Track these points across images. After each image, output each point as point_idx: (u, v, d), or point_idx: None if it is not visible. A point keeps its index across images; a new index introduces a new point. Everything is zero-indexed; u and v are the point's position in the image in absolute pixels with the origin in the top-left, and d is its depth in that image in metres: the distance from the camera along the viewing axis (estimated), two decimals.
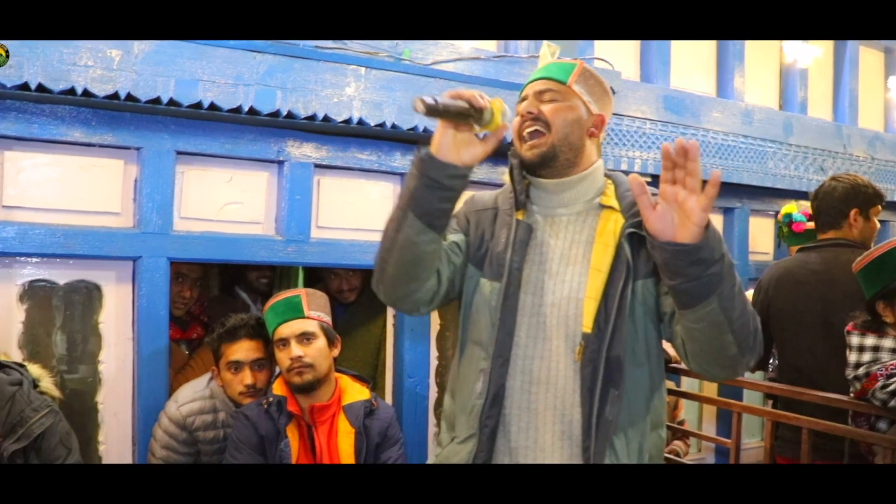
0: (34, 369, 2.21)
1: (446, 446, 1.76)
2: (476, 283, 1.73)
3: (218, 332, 2.51)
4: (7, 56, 2.06)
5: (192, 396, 2.47)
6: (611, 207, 1.72)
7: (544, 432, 1.64)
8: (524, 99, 1.77)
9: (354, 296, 3.30)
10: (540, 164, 1.73)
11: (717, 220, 3.83)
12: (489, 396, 1.65)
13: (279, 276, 3.61)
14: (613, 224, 1.68)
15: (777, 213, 3.82)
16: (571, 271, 1.67)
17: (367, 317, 3.22)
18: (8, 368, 2.13)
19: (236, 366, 2.46)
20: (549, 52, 2.84)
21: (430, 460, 2.96)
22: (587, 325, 1.61)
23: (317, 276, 3.47)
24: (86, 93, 2.23)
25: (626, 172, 3.08)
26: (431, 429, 3.02)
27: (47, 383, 2.22)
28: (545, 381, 1.64)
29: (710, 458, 3.76)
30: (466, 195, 1.77)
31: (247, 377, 2.46)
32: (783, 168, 3.81)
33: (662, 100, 3.39)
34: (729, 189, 3.73)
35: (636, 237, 1.63)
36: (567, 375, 1.63)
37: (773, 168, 3.77)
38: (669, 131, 3.39)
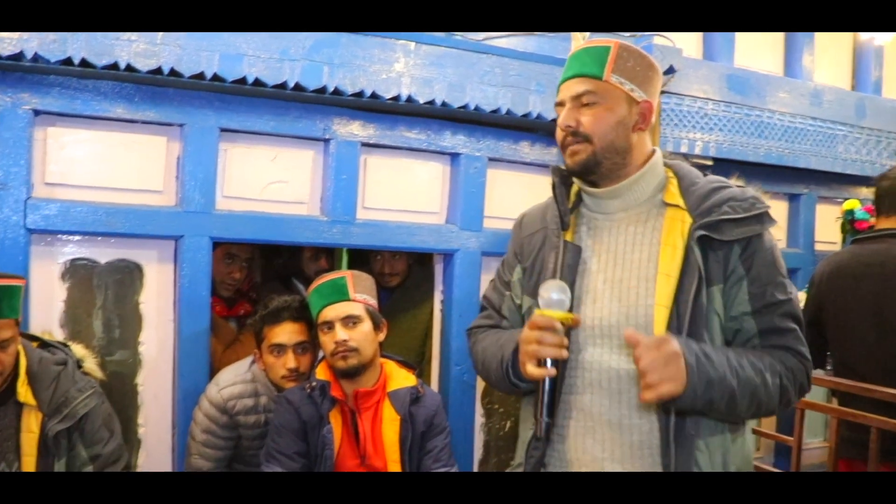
0: (78, 349, 2.22)
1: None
2: (532, 315, 1.65)
3: (261, 313, 2.46)
4: None
5: (233, 380, 2.43)
6: (676, 206, 1.61)
7: (622, 444, 1.59)
8: (561, 103, 1.66)
9: (396, 280, 3.25)
10: (582, 171, 1.65)
11: (782, 207, 3.66)
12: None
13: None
14: (681, 224, 1.58)
15: (847, 199, 3.63)
16: (637, 276, 1.59)
17: (414, 301, 3.17)
18: (53, 348, 2.14)
19: (279, 349, 2.41)
20: (580, 38, 2.70)
21: (476, 451, 2.93)
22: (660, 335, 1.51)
23: (363, 258, 3.41)
24: (129, 68, 2.20)
25: (686, 155, 3.01)
26: (478, 418, 2.95)
27: (91, 364, 2.22)
28: (617, 391, 1.59)
29: (770, 458, 3.61)
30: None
31: (290, 361, 2.40)
32: (854, 153, 3.61)
33: (726, 79, 3.23)
34: (795, 174, 3.57)
35: (706, 240, 1.54)
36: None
37: (843, 152, 3.58)
38: (733, 112, 3.23)
